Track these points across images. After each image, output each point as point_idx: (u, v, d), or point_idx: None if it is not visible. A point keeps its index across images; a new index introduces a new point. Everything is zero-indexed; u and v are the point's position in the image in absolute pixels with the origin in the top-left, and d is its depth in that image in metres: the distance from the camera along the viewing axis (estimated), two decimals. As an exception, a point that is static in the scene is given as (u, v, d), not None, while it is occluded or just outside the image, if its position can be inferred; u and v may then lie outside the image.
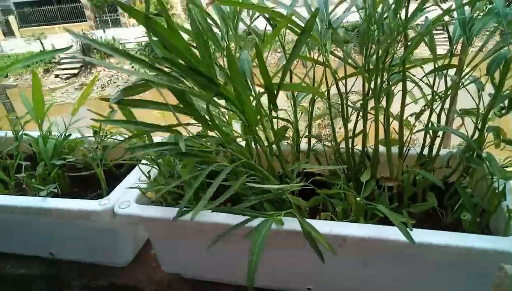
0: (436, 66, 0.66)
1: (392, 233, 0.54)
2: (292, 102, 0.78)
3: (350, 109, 0.70)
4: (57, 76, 14.90)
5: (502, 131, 0.72)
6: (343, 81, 0.69)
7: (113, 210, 0.66)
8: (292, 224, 0.57)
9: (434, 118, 0.69)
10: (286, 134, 0.78)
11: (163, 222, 0.62)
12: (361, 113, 0.69)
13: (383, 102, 0.72)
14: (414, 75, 0.69)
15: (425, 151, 0.71)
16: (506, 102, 0.66)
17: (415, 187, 0.65)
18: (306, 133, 0.80)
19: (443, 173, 0.73)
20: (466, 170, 0.68)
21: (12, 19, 16.64)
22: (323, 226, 0.57)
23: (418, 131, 0.67)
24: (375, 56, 0.59)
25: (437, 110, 0.68)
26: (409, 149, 0.72)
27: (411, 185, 0.64)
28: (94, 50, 15.64)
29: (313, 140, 0.80)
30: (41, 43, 15.14)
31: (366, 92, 0.65)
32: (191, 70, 0.49)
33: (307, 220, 0.59)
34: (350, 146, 0.68)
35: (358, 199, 0.59)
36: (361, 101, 0.66)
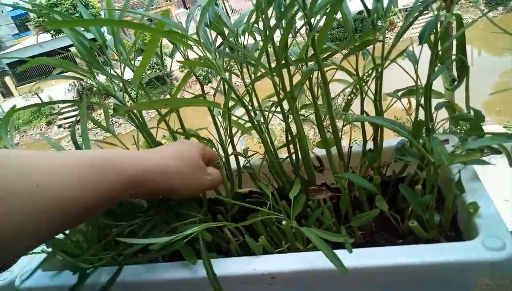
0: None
1: (326, 260, 0.43)
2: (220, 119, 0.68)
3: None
4: (60, 126, 15.15)
5: (456, 106, 0.61)
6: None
7: (13, 284, 0.56)
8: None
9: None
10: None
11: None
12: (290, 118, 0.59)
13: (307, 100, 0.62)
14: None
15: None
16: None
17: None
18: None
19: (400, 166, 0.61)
20: (423, 159, 0.57)
21: (8, 79, 17.06)
22: (245, 265, 0.47)
23: (345, 125, 0.57)
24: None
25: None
26: (351, 147, 0.61)
27: (348, 192, 0.53)
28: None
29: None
30: (39, 97, 15.41)
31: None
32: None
33: (226, 258, 0.49)
34: (274, 157, 0.58)
35: (284, 222, 0.49)
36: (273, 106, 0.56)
